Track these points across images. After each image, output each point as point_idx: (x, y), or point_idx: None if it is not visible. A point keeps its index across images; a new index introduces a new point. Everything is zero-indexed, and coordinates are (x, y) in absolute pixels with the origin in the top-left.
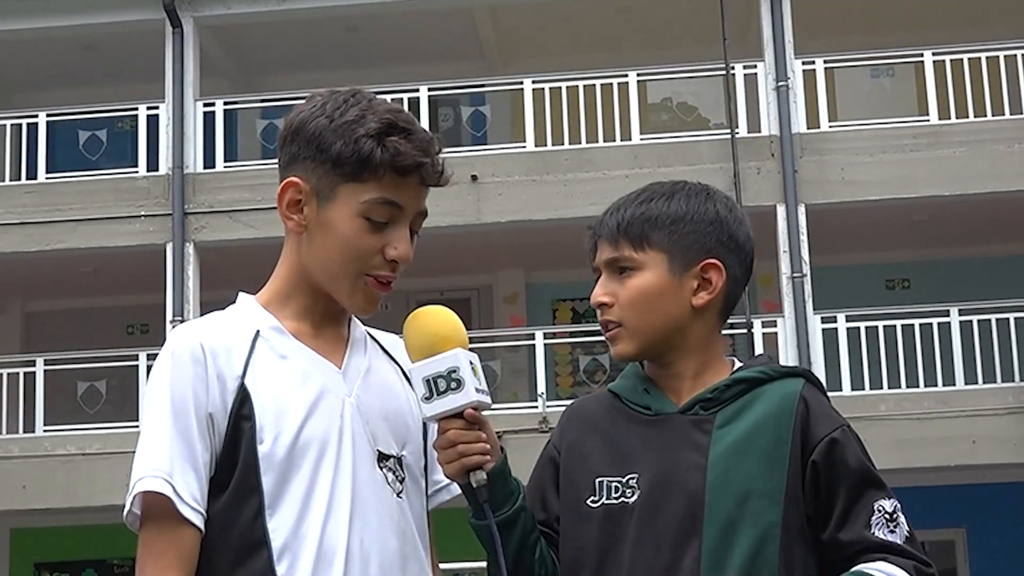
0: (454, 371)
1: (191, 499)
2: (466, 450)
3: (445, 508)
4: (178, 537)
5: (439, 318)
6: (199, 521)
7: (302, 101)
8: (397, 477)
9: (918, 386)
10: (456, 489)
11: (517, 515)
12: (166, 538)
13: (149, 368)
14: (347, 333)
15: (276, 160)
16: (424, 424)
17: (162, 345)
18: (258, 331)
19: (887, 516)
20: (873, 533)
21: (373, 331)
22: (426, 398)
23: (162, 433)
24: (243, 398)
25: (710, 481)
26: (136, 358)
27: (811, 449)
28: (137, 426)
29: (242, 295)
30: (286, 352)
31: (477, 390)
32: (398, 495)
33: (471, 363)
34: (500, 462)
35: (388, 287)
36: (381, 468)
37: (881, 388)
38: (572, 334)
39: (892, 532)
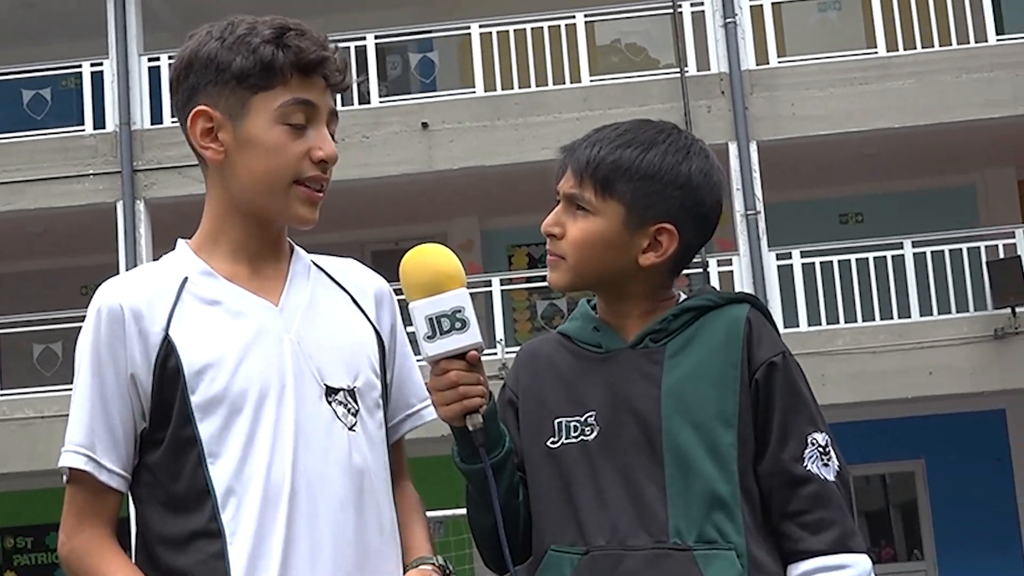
0: (459, 311)
1: (111, 464)
2: (467, 391)
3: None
4: (99, 500)
5: (442, 256)
6: (121, 484)
7: None
8: (349, 410)
9: (874, 319)
10: (427, 416)
11: (507, 458)
12: (87, 499)
13: None
14: (287, 267)
15: None
16: (382, 350)
17: None
18: (186, 278)
19: (820, 449)
20: (806, 466)
21: (320, 259)
22: (428, 337)
23: (82, 401)
24: (168, 351)
25: (665, 409)
26: None
27: (755, 370)
28: None
29: (180, 241)
30: (216, 296)
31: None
32: (350, 428)
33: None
34: (491, 404)
35: (321, 193)
36: (330, 403)
37: (837, 323)
38: (528, 279)
39: (825, 466)
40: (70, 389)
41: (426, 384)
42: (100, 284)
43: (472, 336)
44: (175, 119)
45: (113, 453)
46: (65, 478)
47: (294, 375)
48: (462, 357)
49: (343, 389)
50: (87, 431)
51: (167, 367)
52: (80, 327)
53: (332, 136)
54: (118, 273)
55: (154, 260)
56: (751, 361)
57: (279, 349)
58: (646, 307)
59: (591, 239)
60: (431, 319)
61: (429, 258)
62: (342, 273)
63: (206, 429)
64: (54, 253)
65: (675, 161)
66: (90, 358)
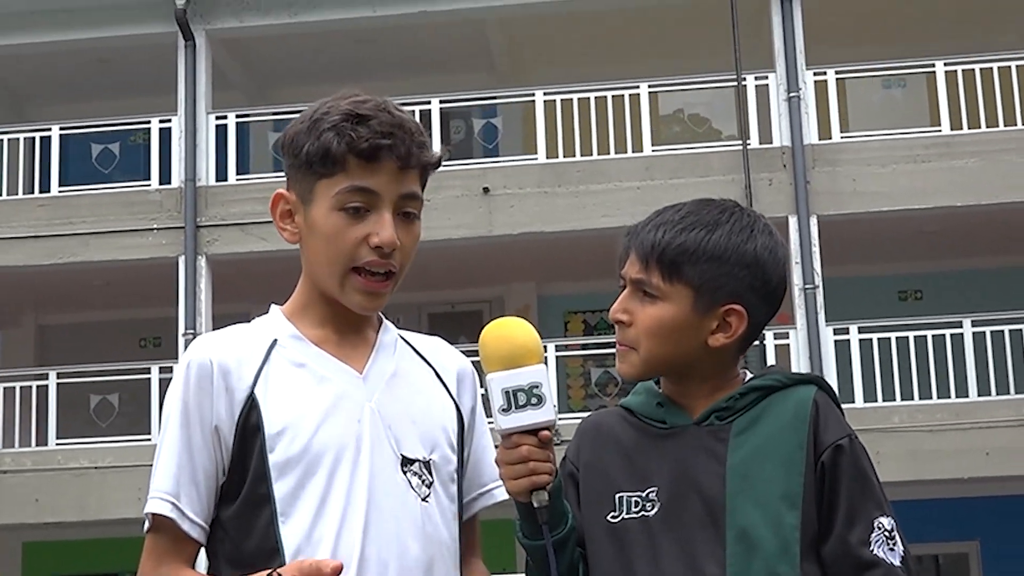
0: (536, 386)
1: (193, 515)
2: (537, 468)
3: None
4: (179, 547)
5: (523, 330)
6: (200, 535)
7: None
8: (423, 481)
9: (931, 398)
10: (499, 496)
11: (569, 535)
12: (167, 546)
13: (161, 381)
14: (375, 337)
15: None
16: (461, 427)
17: (174, 358)
18: (275, 340)
19: (886, 534)
20: (872, 551)
21: (408, 334)
22: (504, 409)
23: (170, 451)
24: (251, 408)
25: (730, 488)
26: (148, 371)
27: (821, 452)
28: (149, 439)
29: (273, 306)
30: (303, 360)
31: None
32: (424, 499)
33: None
34: (557, 481)
35: (384, 282)
36: (405, 473)
37: (894, 400)
38: (584, 346)
39: (891, 551)
40: (125, 441)
41: (495, 458)
42: (158, 337)
43: (547, 413)
44: (240, 177)
45: (196, 504)
46: (147, 526)
47: (371, 442)
48: (534, 433)
49: (419, 460)
50: (173, 480)
51: (248, 424)
52: (136, 379)
53: (415, 217)
54: (177, 327)
55: (213, 315)
56: (817, 443)
57: (359, 415)
58: (712, 385)
59: (662, 326)
60: (508, 392)
61: (510, 331)
62: (428, 349)
63: (280, 488)
64: (115, 305)
65: (740, 240)
66: (179, 410)
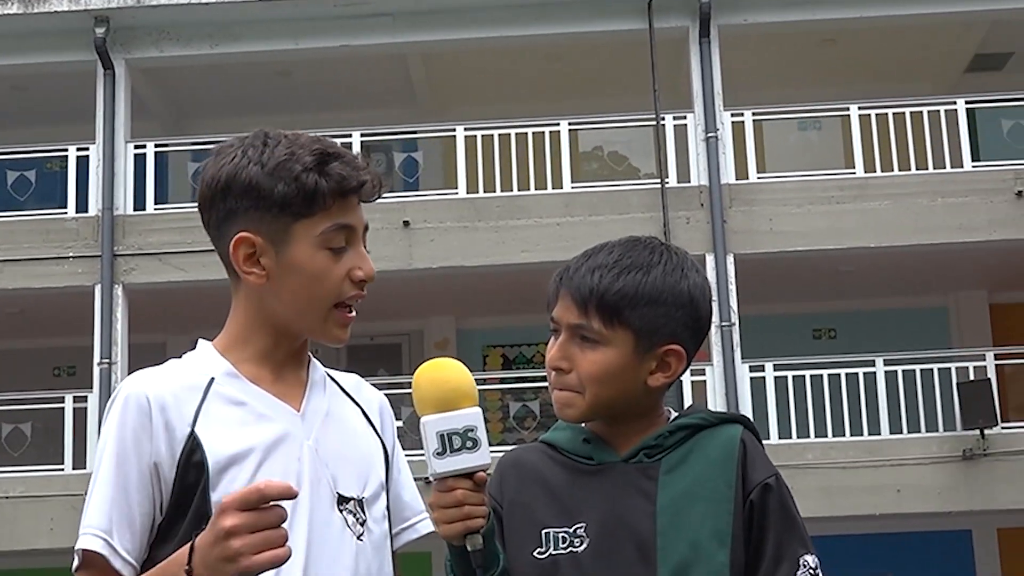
0: (471, 430)
1: (125, 552)
2: (471, 511)
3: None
4: None
5: (457, 372)
6: (131, 574)
7: (212, 155)
8: (358, 519)
9: (844, 435)
10: (422, 530)
11: None
12: None
13: (75, 411)
14: (306, 376)
15: None
16: (386, 464)
17: (89, 387)
18: (212, 378)
19: (811, 571)
20: None
21: (332, 372)
22: (438, 453)
23: (104, 487)
24: (193, 446)
25: (660, 526)
26: (62, 400)
27: (749, 491)
28: (62, 469)
29: (201, 342)
30: (242, 398)
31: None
32: (359, 537)
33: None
34: (490, 524)
35: (354, 314)
36: (341, 511)
37: (808, 437)
38: (503, 380)
39: None
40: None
41: (427, 500)
42: (73, 366)
43: (483, 457)
44: (158, 206)
45: (129, 541)
46: (76, 562)
47: (310, 481)
48: (469, 476)
49: (353, 499)
50: (106, 516)
51: (191, 462)
52: (50, 408)
53: (365, 245)
54: (92, 356)
55: (129, 345)
56: (746, 482)
57: (298, 454)
58: (641, 423)
59: (606, 371)
60: (443, 435)
61: (445, 373)
62: (351, 386)
63: None
64: (29, 334)
65: (674, 280)
66: (115, 445)
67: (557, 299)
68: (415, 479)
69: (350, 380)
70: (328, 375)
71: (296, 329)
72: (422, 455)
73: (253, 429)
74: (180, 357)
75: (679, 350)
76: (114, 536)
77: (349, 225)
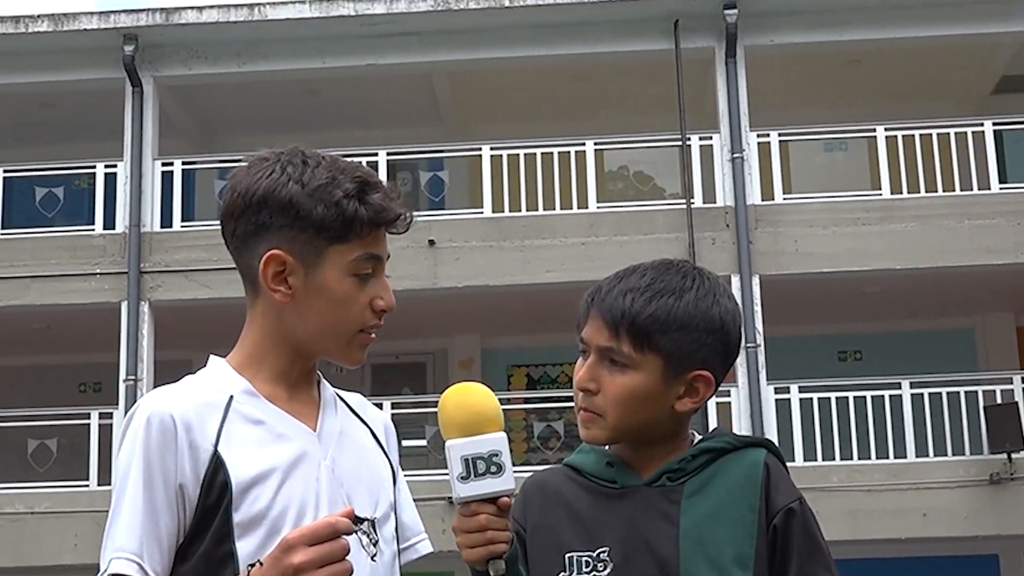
0: (496, 455)
1: (155, 575)
2: (495, 536)
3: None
4: None
5: (484, 396)
6: None
7: (245, 164)
8: (371, 540)
9: (869, 458)
10: (422, 550)
11: None
12: None
13: (101, 427)
14: (318, 394)
15: None
16: (394, 483)
17: (114, 404)
18: (231, 396)
19: None
20: None
21: (339, 391)
22: (463, 477)
23: (132, 508)
24: (216, 466)
25: (683, 550)
26: (88, 416)
27: (773, 515)
28: (88, 485)
29: (213, 358)
30: (261, 417)
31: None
32: (372, 558)
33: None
34: (513, 550)
35: (374, 336)
36: (356, 532)
37: (833, 459)
38: (527, 400)
39: None
40: (63, 486)
41: (452, 525)
42: (98, 382)
43: (507, 482)
44: (184, 224)
45: (159, 563)
46: None
47: (328, 501)
48: (493, 501)
49: (367, 519)
50: (137, 539)
51: (215, 482)
52: (75, 424)
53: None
54: (118, 372)
55: (155, 361)
56: (770, 506)
57: (316, 474)
58: (667, 447)
59: (633, 395)
60: (467, 460)
61: (471, 398)
62: (358, 405)
63: (244, 547)
64: (55, 350)
65: (706, 306)
66: (141, 465)
67: (587, 320)
68: (437, 499)
69: (355, 399)
70: (337, 394)
71: (315, 350)
72: (446, 475)
73: (273, 449)
74: (195, 374)
75: (708, 376)
76: (145, 559)
77: (378, 255)
